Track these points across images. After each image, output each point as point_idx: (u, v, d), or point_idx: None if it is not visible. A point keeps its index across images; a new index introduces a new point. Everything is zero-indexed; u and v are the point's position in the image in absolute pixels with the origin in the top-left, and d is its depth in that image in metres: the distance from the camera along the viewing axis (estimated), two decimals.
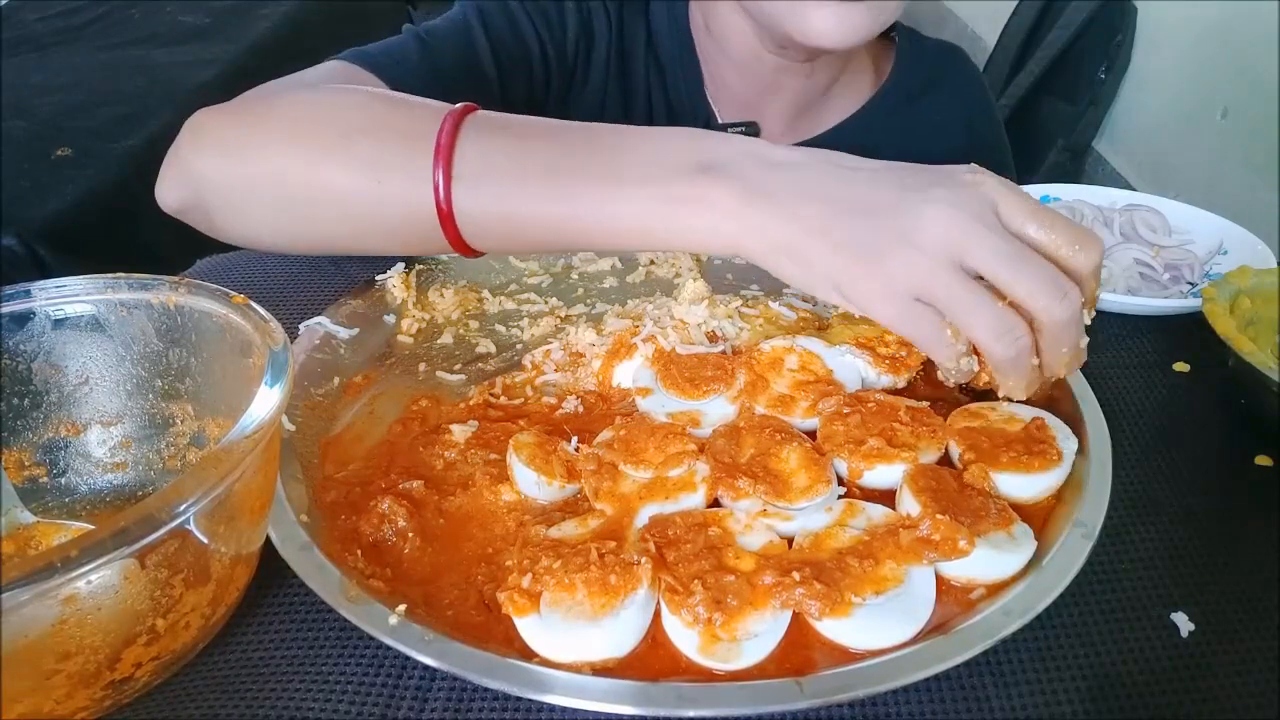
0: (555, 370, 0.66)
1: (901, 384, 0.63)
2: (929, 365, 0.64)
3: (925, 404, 0.58)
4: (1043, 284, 0.49)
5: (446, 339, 0.71)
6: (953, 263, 0.50)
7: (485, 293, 0.76)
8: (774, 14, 0.79)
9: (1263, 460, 0.58)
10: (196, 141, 0.67)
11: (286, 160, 0.63)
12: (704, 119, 0.96)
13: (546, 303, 0.75)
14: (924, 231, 0.50)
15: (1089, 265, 0.50)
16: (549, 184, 0.59)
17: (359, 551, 0.49)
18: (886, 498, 0.52)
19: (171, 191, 0.68)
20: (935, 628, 0.45)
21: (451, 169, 0.59)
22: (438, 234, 0.61)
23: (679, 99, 0.96)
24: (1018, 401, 0.55)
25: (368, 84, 0.74)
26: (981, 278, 0.51)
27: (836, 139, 0.97)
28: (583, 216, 0.59)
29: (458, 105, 0.62)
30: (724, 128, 0.93)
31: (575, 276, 0.80)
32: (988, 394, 0.57)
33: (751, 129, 0.94)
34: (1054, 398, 0.60)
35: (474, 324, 0.73)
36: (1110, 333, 0.70)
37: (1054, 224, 0.51)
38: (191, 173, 0.66)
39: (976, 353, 0.54)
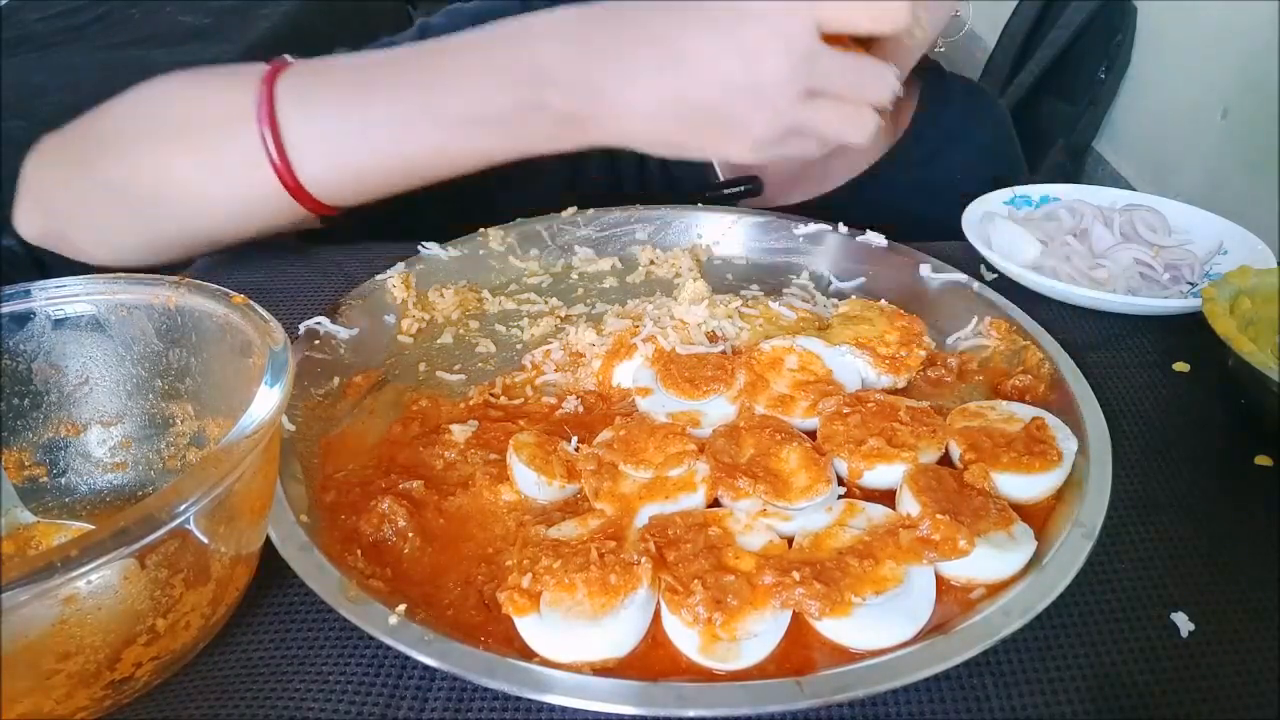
0: (555, 370, 0.66)
1: (901, 384, 0.63)
2: (929, 365, 0.64)
3: (925, 404, 0.58)
4: (871, 81, 0.57)
5: (446, 339, 0.71)
6: (800, 96, 0.56)
7: (485, 293, 0.76)
8: None
9: (1262, 460, 0.57)
10: (39, 166, 0.65)
11: (126, 166, 0.62)
12: (701, 170, 0.92)
13: (546, 303, 0.75)
14: (770, 85, 0.55)
15: (900, 21, 0.55)
16: (387, 136, 0.59)
17: (359, 551, 0.49)
18: (886, 498, 0.52)
19: (26, 221, 0.67)
20: (935, 628, 0.45)
21: (283, 143, 0.59)
22: (293, 206, 0.61)
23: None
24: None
25: None
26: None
27: (849, 193, 0.92)
28: (428, 158, 0.61)
29: (265, 68, 0.61)
30: (723, 185, 0.89)
31: (575, 276, 0.80)
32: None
33: (754, 186, 0.89)
34: (1054, 398, 0.60)
35: (474, 324, 0.73)
36: (1110, 333, 0.70)
37: (858, 9, 0.55)
38: (41, 198, 0.65)
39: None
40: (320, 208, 0.63)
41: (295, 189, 0.60)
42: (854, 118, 0.59)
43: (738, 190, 0.89)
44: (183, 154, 0.62)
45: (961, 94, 0.98)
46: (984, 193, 0.88)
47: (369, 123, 0.60)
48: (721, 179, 0.91)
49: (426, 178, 0.63)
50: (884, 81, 0.58)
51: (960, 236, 0.78)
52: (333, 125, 0.60)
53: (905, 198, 0.91)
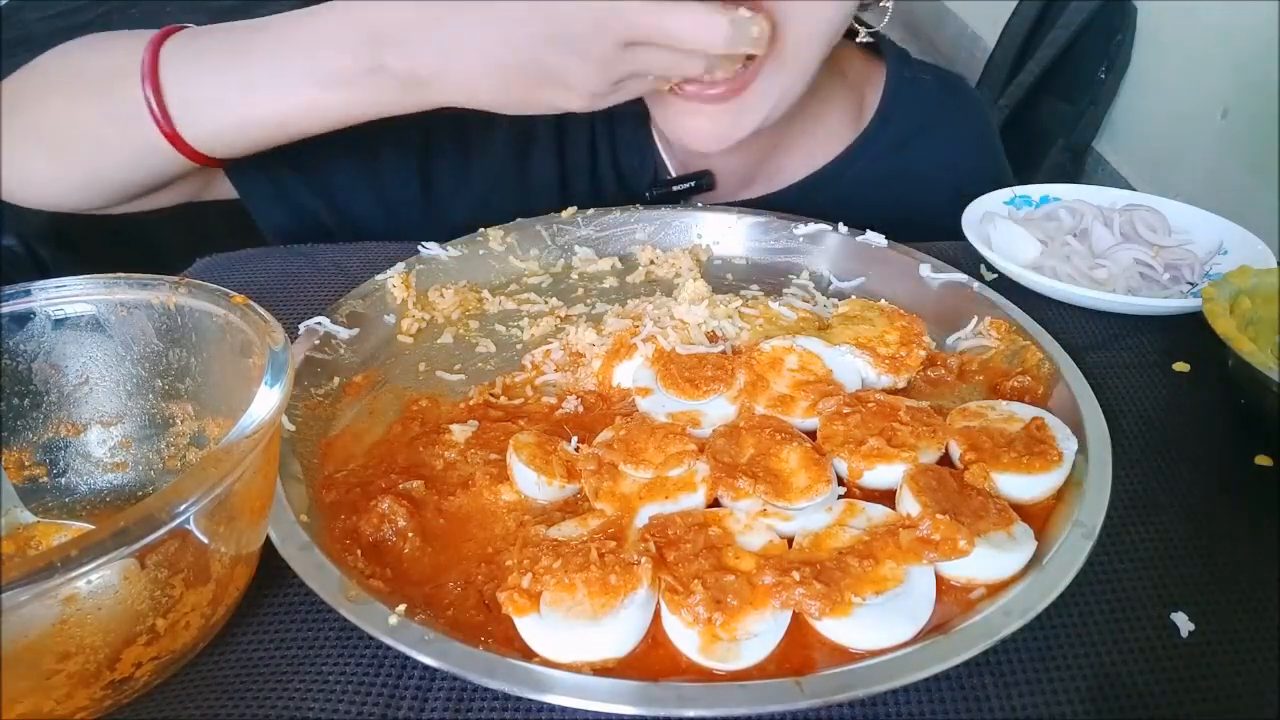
0: (555, 370, 0.66)
1: (901, 384, 0.63)
2: (929, 365, 0.64)
3: (925, 404, 0.58)
4: (691, 28, 0.58)
5: (446, 339, 0.71)
6: (620, 42, 0.58)
7: (485, 293, 0.76)
8: (659, 119, 0.80)
9: (1262, 460, 0.57)
10: None
11: (42, 112, 0.70)
12: (652, 167, 0.91)
13: (546, 303, 0.75)
14: (584, 37, 0.58)
15: None
16: (249, 97, 0.65)
17: (359, 551, 0.49)
18: (886, 498, 0.52)
19: None
20: (935, 628, 0.45)
21: (160, 86, 0.65)
22: (168, 148, 0.67)
23: (623, 143, 0.92)
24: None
25: None
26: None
27: (807, 189, 0.91)
28: (287, 116, 0.66)
29: (159, 31, 0.68)
30: (672, 183, 0.89)
31: (575, 276, 0.80)
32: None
33: (704, 180, 0.88)
34: (1054, 398, 0.60)
35: (474, 324, 0.73)
36: (1110, 333, 0.70)
37: None
38: None
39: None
40: (203, 158, 0.69)
41: (176, 141, 0.67)
42: (682, 58, 0.60)
43: (687, 186, 0.89)
44: (86, 104, 0.68)
45: (931, 83, 0.95)
46: (958, 183, 0.87)
47: (234, 84, 0.66)
48: (672, 175, 0.91)
49: (294, 133, 0.69)
50: (709, 26, 0.58)
51: (944, 232, 0.78)
52: (205, 85, 0.66)
53: (872, 191, 0.91)
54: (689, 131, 0.75)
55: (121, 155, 0.70)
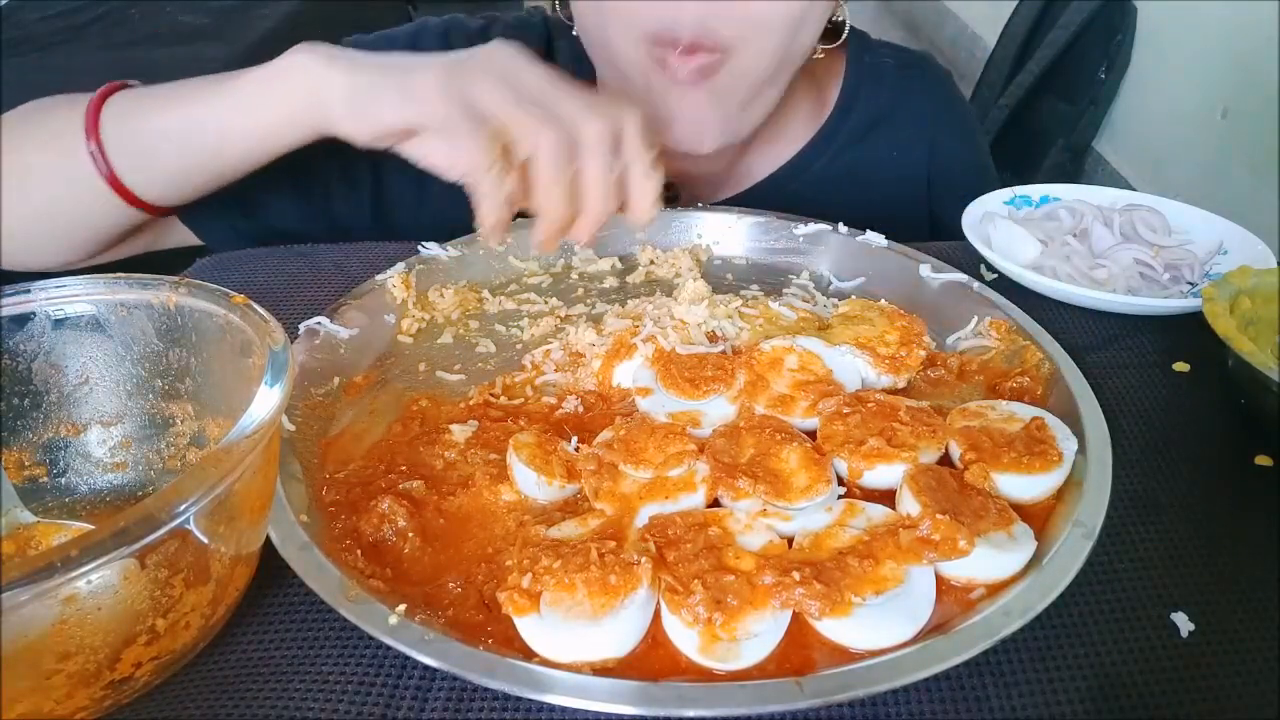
0: (555, 370, 0.66)
1: (901, 384, 0.63)
2: (929, 365, 0.64)
3: (925, 404, 0.58)
4: (577, 107, 0.58)
5: (446, 339, 0.71)
6: (503, 78, 0.58)
7: (485, 293, 0.76)
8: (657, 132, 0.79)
9: (1262, 460, 0.57)
10: None
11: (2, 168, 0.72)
12: None
13: (546, 303, 0.75)
14: (478, 58, 0.60)
15: (632, 121, 0.60)
16: (177, 120, 0.68)
17: (359, 551, 0.49)
18: (886, 498, 0.52)
19: None
20: (935, 628, 0.45)
21: (101, 133, 0.68)
22: (113, 196, 0.69)
23: None
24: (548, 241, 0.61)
25: None
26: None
27: (773, 186, 0.91)
28: (196, 119, 0.68)
29: (100, 90, 0.71)
30: None
31: (575, 276, 0.80)
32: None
33: (668, 192, 0.86)
34: (1053, 398, 0.60)
35: (474, 324, 0.73)
36: (1110, 333, 0.70)
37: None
38: None
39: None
40: (147, 206, 0.72)
41: (121, 190, 0.70)
42: (540, 116, 0.58)
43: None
44: (41, 160, 0.72)
45: (891, 66, 0.95)
46: (929, 161, 0.89)
47: (168, 130, 0.69)
48: None
49: (226, 170, 0.71)
50: (590, 114, 0.58)
51: (922, 216, 0.78)
52: (141, 133, 0.69)
53: (839, 181, 0.91)
54: (675, 119, 0.76)
55: (75, 210, 0.72)
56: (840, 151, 0.92)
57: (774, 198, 0.89)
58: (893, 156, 0.93)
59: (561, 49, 0.94)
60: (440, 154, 0.60)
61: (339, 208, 0.88)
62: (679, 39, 0.72)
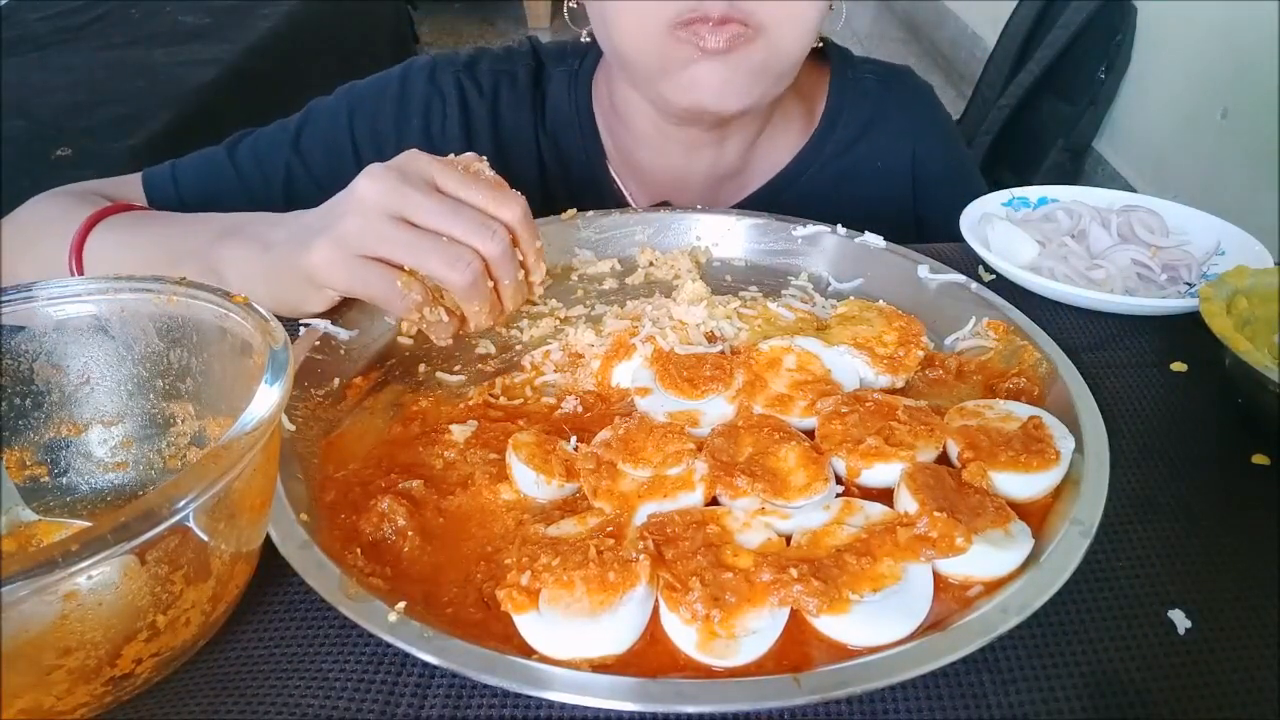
0: (555, 370, 0.66)
1: (899, 384, 0.63)
2: (927, 365, 0.65)
3: (923, 403, 0.58)
4: (473, 226, 0.60)
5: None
6: (391, 218, 0.59)
7: None
8: (656, 86, 0.79)
9: (1260, 459, 0.58)
10: None
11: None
12: (613, 202, 0.93)
13: (546, 303, 0.75)
14: (361, 199, 0.59)
15: (513, 215, 0.62)
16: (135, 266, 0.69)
17: (359, 550, 0.50)
18: (884, 496, 0.53)
19: None
20: (933, 625, 0.45)
21: (82, 262, 0.72)
22: None
23: (579, 179, 0.93)
24: (484, 329, 0.65)
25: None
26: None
27: (765, 198, 0.93)
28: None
29: (108, 205, 0.75)
30: None
31: (575, 278, 0.80)
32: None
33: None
34: (1051, 397, 0.60)
35: None
36: (1108, 333, 0.70)
37: (479, 186, 0.61)
38: None
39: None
40: None
41: None
42: (449, 254, 0.60)
43: None
44: (28, 265, 0.76)
45: (873, 82, 0.97)
46: (913, 172, 0.91)
47: (130, 259, 0.72)
48: (634, 208, 0.92)
49: None
50: (493, 236, 0.60)
51: (907, 225, 0.78)
52: (111, 256, 0.72)
53: (828, 188, 0.94)
54: (698, 85, 0.77)
55: None
56: (827, 163, 0.95)
57: (765, 209, 0.90)
58: (877, 167, 0.96)
59: (552, 75, 0.95)
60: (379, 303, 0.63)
61: None
62: (710, 15, 0.73)
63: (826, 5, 0.78)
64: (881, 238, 0.78)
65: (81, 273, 0.72)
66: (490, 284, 0.62)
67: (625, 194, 0.95)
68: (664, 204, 0.91)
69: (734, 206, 0.93)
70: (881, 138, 0.96)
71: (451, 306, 0.63)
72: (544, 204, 0.90)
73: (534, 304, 0.72)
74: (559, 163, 0.94)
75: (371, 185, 0.59)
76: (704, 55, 0.74)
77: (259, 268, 0.64)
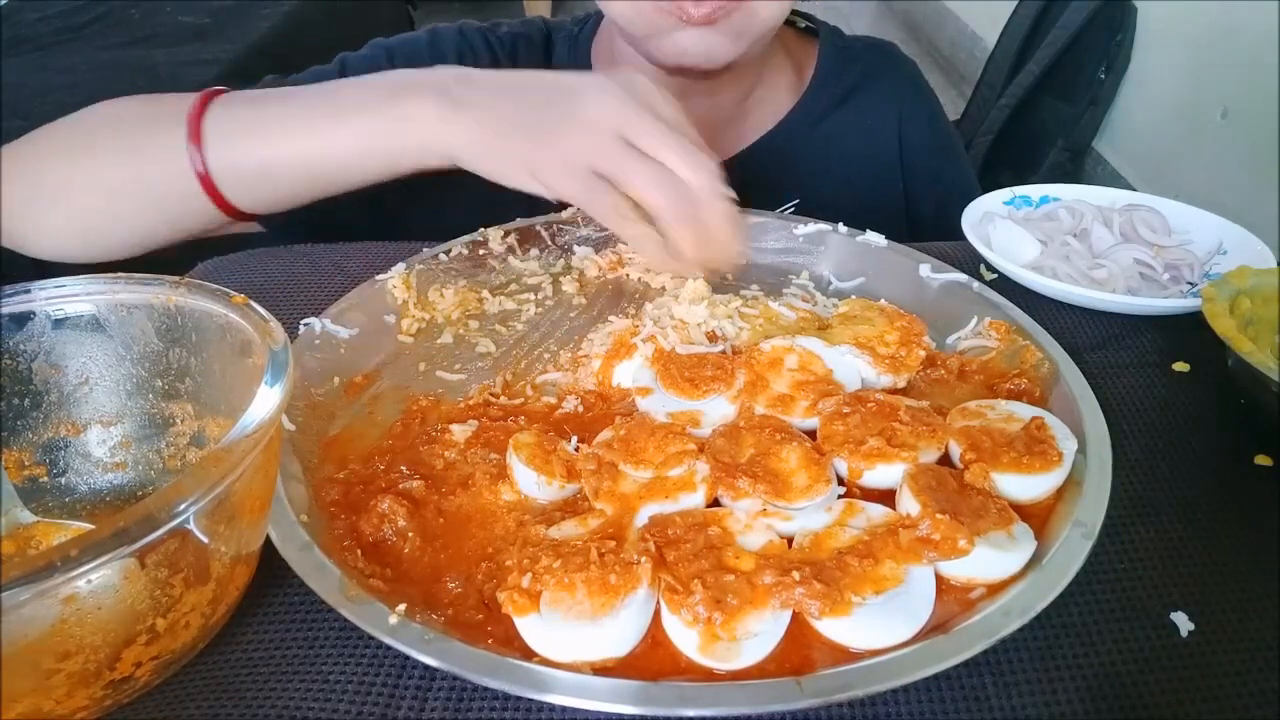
0: (555, 370, 0.66)
1: (901, 384, 0.63)
2: (929, 365, 0.64)
3: (925, 404, 0.58)
4: (685, 155, 0.63)
5: (446, 339, 0.71)
6: (617, 137, 0.62)
7: (485, 293, 0.76)
8: (645, 46, 0.85)
9: (1262, 460, 0.58)
10: None
11: (70, 167, 0.72)
12: None
13: (542, 305, 0.75)
14: (591, 115, 0.62)
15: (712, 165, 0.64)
16: (284, 133, 0.70)
17: (359, 551, 0.49)
18: (886, 497, 0.52)
19: None
20: (935, 627, 0.45)
21: (201, 137, 0.69)
22: (203, 200, 0.70)
23: None
24: (697, 276, 0.68)
25: None
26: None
27: (757, 153, 0.98)
28: (317, 153, 0.69)
29: (199, 96, 0.72)
30: None
31: (575, 278, 0.79)
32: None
33: None
34: (1053, 398, 0.60)
35: (474, 324, 0.73)
36: (1110, 333, 0.70)
37: (689, 131, 0.65)
38: None
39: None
40: (226, 205, 0.72)
41: (204, 179, 0.70)
42: (660, 179, 0.62)
43: None
44: (123, 163, 0.72)
45: (861, 49, 1.03)
46: (898, 133, 0.97)
47: (265, 131, 0.70)
48: None
49: (317, 181, 0.73)
50: (701, 165, 0.63)
51: (893, 187, 0.79)
52: (242, 124, 0.70)
53: (819, 149, 0.98)
54: (684, 50, 0.82)
55: (155, 210, 0.73)
56: (818, 121, 0.99)
57: (758, 163, 0.97)
58: (865, 127, 1.01)
59: (558, 46, 1.01)
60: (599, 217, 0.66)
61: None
62: None
63: None
64: (883, 236, 0.78)
65: (203, 157, 0.69)
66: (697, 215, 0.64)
67: None
68: None
69: (726, 161, 0.95)
70: (868, 100, 1.01)
71: (665, 230, 0.65)
72: None
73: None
74: None
75: (602, 104, 0.63)
76: (687, 25, 0.79)
77: (474, 119, 0.66)
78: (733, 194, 0.65)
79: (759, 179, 0.88)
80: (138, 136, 0.72)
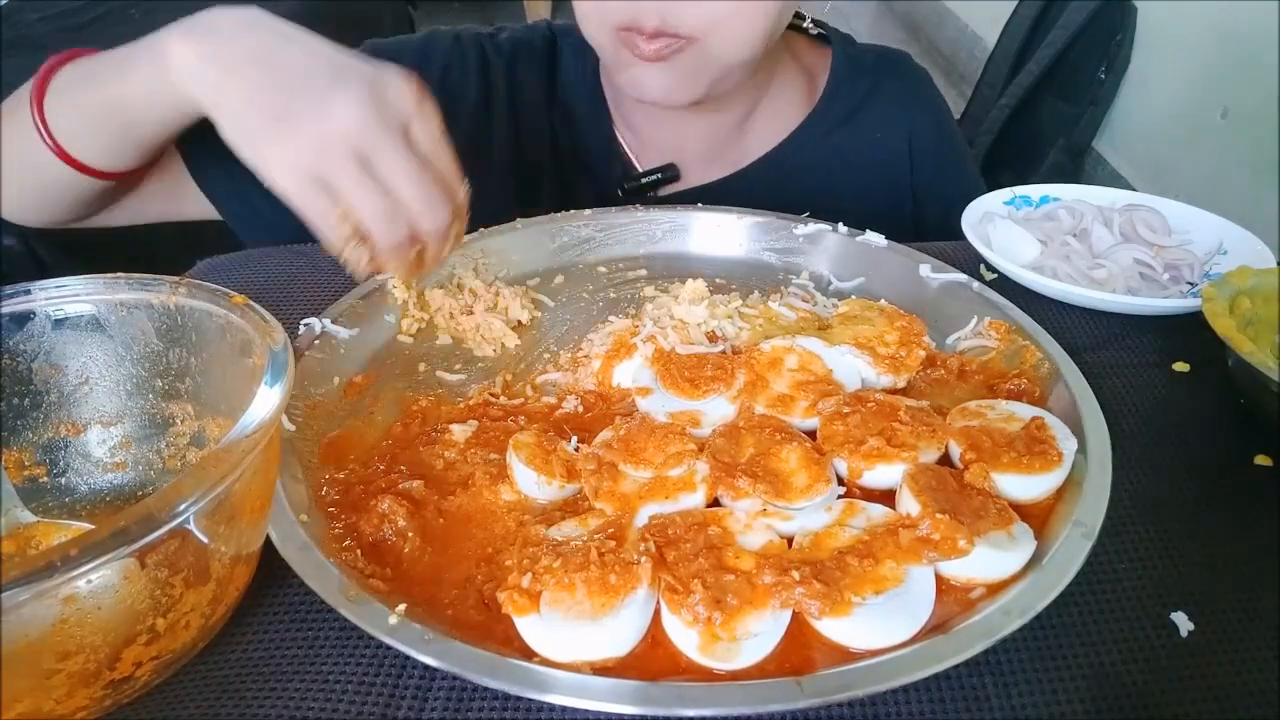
0: (555, 370, 0.66)
1: (901, 384, 0.63)
2: (929, 365, 0.64)
3: (925, 404, 0.58)
4: (422, 199, 0.59)
5: (446, 339, 0.71)
6: (354, 153, 0.57)
7: (469, 275, 0.76)
8: (614, 78, 0.86)
9: (1262, 460, 0.57)
10: None
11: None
12: (620, 165, 0.97)
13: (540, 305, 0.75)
14: (334, 121, 0.57)
15: (457, 198, 0.61)
16: (90, 86, 0.69)
17: (359, 551, 0.49)
18: (886, 498, 0.52)
19: None
20: (935, 627, 0.45)
21: (44, 102, 0.70)
22: (58, 161, 0.71)
23: (586, 144, 0.98)
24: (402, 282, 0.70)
25: None
26: None
27: (766, 166, 0.97)
28: (111, 102, 0.68)
29: (51, 60, 0.72)
30: (640, 175, 0.95)
31: (574, 276, 0.79)
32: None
33: (669, 172, 0.94)
34: (1053, 398, 0.60)
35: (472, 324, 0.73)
36: (1110, 332, 0.70)
37: (443, 155, 0.61)
38: None
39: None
40: (93, 171, 0.73)
41: (63, 155, 0.71)
42: (384, 211, 0.58)
43: (655, 179, 0.95)
44: (11, 130, 0.73)
45: (873, 60, 1.02)
46: (909, 146, 0.97)
47: (87, 88, 0.70)
48: (640, 170, 0.97)
49: (125, 133, 0.71)
50: (435, 210, 0.59)
51: (904, 198, 0.79)
52: (70, 111, 0.70)
53: (829, 161, 0.97)
54: (643, 86, 0.82)
55: (39, 173, 0.74)
56: (828, 133, 0.98)
57: (768, 176, 0.95)
58: (876, 139, 1.00)
59: (565, 52, 0.99)
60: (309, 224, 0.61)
61: None
62: (644, 29, 0.77)
63: (767, 8, 0.79)
64: (883, 236, 0.78)
65: (42, 115, 0.70)
66: (414, 250, 0.61)
67: (630, 156, 0.98)
68: (669, 165, 0.95)
69: (735, 174, 0.97)
70: (879, 112, 1.00)
71: (373, 251, 0.61)
72: (554, 163, 0.97)
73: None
74: (568, 126, 0.98)
75: (348, 115, 0.57)
76: (642, 60, 0.79)
77: (226, 105, 0.61)
78: (461, 221, 0.63)
79: (767, 193, 0.87)
80: (16, 107, 0.73)
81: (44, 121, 0.70)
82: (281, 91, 0.59)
